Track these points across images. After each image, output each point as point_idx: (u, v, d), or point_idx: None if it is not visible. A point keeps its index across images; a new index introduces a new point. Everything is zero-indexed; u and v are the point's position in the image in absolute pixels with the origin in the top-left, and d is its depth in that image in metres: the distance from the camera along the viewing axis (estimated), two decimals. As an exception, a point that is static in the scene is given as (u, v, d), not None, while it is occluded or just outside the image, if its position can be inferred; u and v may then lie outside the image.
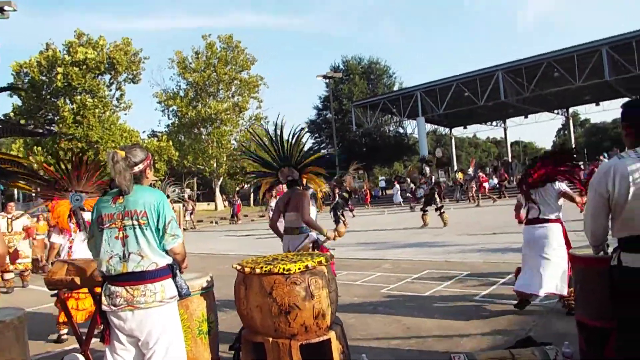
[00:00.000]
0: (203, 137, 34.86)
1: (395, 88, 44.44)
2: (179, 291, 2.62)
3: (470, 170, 24.77)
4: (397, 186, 28.19)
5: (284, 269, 2.85)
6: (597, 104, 35.81)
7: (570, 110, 42.00)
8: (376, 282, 6.82)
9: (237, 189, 41.18)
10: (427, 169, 14.39)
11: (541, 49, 61.33)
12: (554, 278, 4.38)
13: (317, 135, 47.73)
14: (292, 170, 4.65)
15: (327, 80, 37.33)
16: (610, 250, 2.64)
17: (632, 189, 2.30)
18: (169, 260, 2.60)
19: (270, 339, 2.92)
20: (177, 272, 2.65)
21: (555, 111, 40.27)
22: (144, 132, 36.61)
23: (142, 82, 37.79)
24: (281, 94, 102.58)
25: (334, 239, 4.56)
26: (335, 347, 3.01)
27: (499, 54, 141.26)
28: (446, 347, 3.91)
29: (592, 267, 3.01)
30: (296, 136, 4.62)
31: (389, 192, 35.66)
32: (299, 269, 2.87)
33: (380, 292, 6.16)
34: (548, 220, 4.53)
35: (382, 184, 40.79)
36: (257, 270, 2.89)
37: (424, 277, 6.81)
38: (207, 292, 3.28)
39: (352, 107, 36.58)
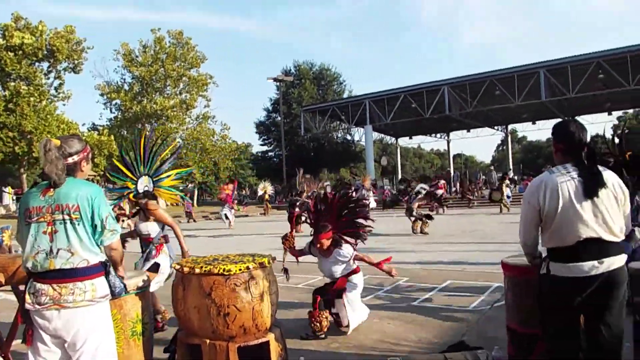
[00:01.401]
0: (147, 133, 33.79)
1: (345, 95, 44.99)
2: (112, 290, 2.49)
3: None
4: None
5: (224, 270, 2.79)
6: (534, 123, 37.81)
7: (509, 127, 44.09)
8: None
9: (181, 187, 40.17)
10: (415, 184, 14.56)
11: (484, 68, 64.22)
12: None
13: (265, 137, 47.47)
14: (150, 181, 4.69)
15: (278, 84, 37.22)
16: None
17: (560, 202, 2.44)
18: (102, 257, 2.47)
19: (208, 341, 2.86)
20: (111, 270, 2.53)
21: (496, 127, 42.15)
22: (83, 124, 34.93)
23: (84, 72, 36.14)
24: (231, 94, 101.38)
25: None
26: (274, 350, 2.99)
27: (445, 70, 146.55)
28: (384, 351, 3.96)
29: (522, 275, 3.15)
30: (157, 147, 4.76)
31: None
32: (240, 270, 2.82)
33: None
34: None
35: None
36: (197, 270, 2.82)
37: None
38: (142, 292, 3.14)
39: (302, 112, 36.67)
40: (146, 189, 4.66)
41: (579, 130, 2.58)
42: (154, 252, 4.59)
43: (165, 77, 33.65)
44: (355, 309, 4.56)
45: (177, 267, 2.96)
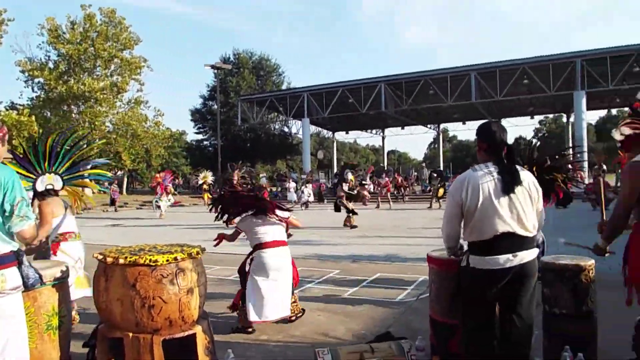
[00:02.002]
0: (73, 115, 31.86)
1: (284, 87, 44.79)
2: (25, 281, 2.34)
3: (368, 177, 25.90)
4: (293, 184, 28.12)
5: (150, 260, 2.70)
6: (464, 123, 39.53)
7: (441, 126, 45.85)
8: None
9: (110, 175, 38.37)
10: (349, 175, 14.41)
11: (419, 68, 66.19)
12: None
13: (200, 125, 46.26)
14: (58, 179, 4.39)
15: (216, 71, 36.35)
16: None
17: (481, 199, 2.58)
18: (14, 246, 2.31)
19: (130, 334, 2.75)
20: (24, 259, 2.37)
21: (429, 126, 43.69)
22: (0, 102, 32.43)
23: (4, 46, 33.35)
24: (166, 80, 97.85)
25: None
26: (201, 342, 2.93)
27: (382, 68, 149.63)
28: (312, 342, 4.01)
29: (445, 268, 3.30)
30: (71, 145, 4.46)
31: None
32: (167, 260, 2.73)
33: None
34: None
35: (264, 180, 40.77)
36: (121, 261, 2.70)
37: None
38: (60, 283, 2.97)
39: (239, 101, 36.10)
40: (49, 187, 4.33)
41: (500, 131, 2.74)
42: (50, 252, 4.29)
43: (95, 57, 31.88)
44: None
45: (100, 257, 2.82)
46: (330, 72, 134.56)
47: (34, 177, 4.28)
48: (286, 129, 44.03)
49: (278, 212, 4.58)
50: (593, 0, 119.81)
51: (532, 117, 39.33)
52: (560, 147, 37.66)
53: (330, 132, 44.65)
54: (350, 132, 45.26)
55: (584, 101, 25.40)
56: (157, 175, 20.94)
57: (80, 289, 4.34)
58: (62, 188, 4.47)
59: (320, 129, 43.84)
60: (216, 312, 4.90)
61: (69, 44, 31.22)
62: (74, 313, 4.28)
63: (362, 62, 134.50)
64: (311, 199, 24.94)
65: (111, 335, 2.85)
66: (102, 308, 2.86)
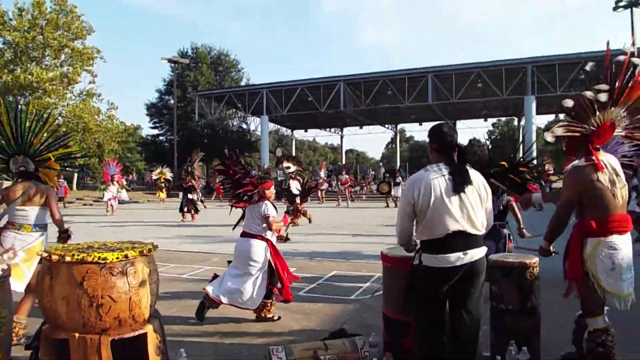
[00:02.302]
0: (20, 107, 30.34)
1: (243, 83, 44.27)
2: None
3: (322, 173, 25.95)
4: None
5: (99, 258, 2.61)
6: (420, 124, 40.25)
7: (399, 126, 46.59)
8: (203, 275, 6.68)
9: (60, 169, 36.76)
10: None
11: (378, 68, 67.00)
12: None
13: (156, 120, 45.09)
14: (28, 161, 4.26)
15: (173, 65, 35.55)
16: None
17: (432, 198, 2.65)
18: None
19: (77, 335, 2.65)
20: None
21: (386, 126, 44.31)
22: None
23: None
24: (120, 72, 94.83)
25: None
26: (152, 342, 2.86)
27: (341, 67, 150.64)
28: (267, 340, 4.00)
29: (398, 266, 3.37)
30: (41, 123, 4.35)
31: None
32: (117, 258, 2.65)
33: (206, 286, 6.06)
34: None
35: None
36: (67, 259, 2.60)
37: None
38: (0, 282, 2.83)
39: (197, 96, 35.43)
40: (22, 169, 4.22)
41: (451, 132, 2.82)
42: None
43: (44, 46, 30.45)
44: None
45: (45, 254, 2.70)
46: (289, 70, 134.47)
47: (5, 158, 4.21)
48: (244, 126, 43.63)
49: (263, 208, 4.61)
50: (546, 9, 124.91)
51: (485, 120, 40.58)
52: (514, 147, 39.18)
53: (289, 130, 44.55)
54: (309, 130, 45.33)
55: (534, 106, 26.43)
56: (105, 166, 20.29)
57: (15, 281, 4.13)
58: (36, 170, 4.31)
59: (279, 126, 43.59)
60: (169, 311, 4.81)
61: (15, 31, 29.68)
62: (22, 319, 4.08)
63: (322, 61, 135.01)
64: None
65: (56, 337, 2.74)
66: (47, 308, 2.75)
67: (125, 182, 25.59)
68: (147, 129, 52.26)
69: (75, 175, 36.62)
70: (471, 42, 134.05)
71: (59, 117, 31.50)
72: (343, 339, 3.50)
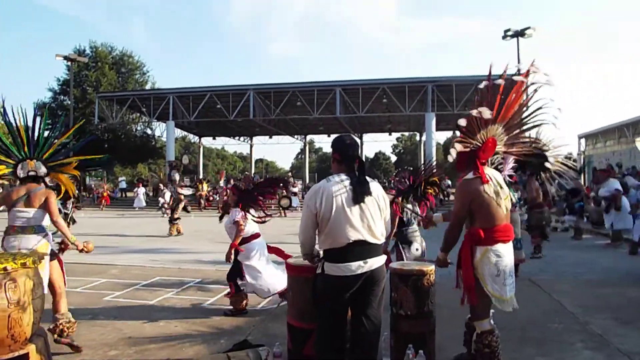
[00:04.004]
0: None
1: (148, 87, 42.33)
2: None
3: (222, 182, 25.46)
4: (142, 189, 26.65)
5: (-28, 271, 2.35)
6: (329, 136, 41.14)
7: (308, 137, 47.22)
8: (100, 288, 6.27)
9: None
10: (177, 175, 13.78)
11: (289, 79, 67.76)
12: None
13: (49, 122, 41.57)
14: (40, 166, 4.10)
15: (70, 63, 33.10)
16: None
17: (334, 208, 2.71)
18: None
19: (-58, 359, 2.35)
20: None
21: (296, 136, 44.70)
22: None
23: None
24: (3, 67, 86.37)
25: (81, 250, 4.07)
26: (34, 363, 2.62)
27: (252, 76, 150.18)
28: (168, 354, 3.83)
29: (301, 274, 3.40)
30: (58, 132, 4.38)
31: (129, 194, 33.50)
32: (-5, 271, 2.40)
33: (102, 299, 5.69)
34: None
35: (123, 184, 38.06)
36: None
37: (153, 284, 6.58)
38: None
39: (97, 98, 33.25)
40: (32, 173, 4.02)
41: (353, 143, 2.92)
42: None
43: None
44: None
45: None
46: (198, 76, 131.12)
47: (14, 162, 4.03)
48: (149, 131, 41.67)
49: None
50: (448, 33, 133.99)
51: (390, 134, 42.50)
52: (414, 162, 41.24)
53: (197, 137, 43.33)
54: (217, 138, 44.39)
55: (433, 122, 28.11)
56: None
57: None
58: (48, 175, 4.15)
59: (186, 133, 42.20)
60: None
61: None
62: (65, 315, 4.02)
63: (230, 68, 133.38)
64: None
65: None
66: None
67: None
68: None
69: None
70: (376, 59, 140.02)
71: None
72: (247, 350, 3.45)
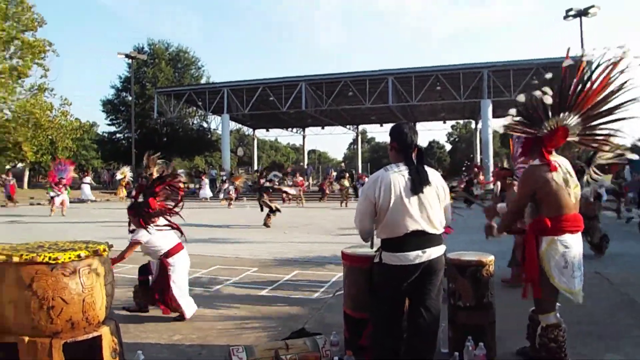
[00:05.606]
0: None
1: (203, 81, 43.50)
2: None
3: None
4: (206, 180, 27.42)
5: (50, 258, 2.50)
6: (381, 125, 40.77)
7: (360, 127, 46.98)
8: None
9: (8, 167, 35.12)
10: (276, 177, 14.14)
11: (340, 69, 67.55)
12: None
13: (113, 117, 43.69)
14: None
15: (130, 61, 34.53)
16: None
17: (392, 198, 2.68)
18: None
19: (26, 339, 2.54)
20: None
21: (348, 126, 44.59)
22: None
23: None
24: (75, 67, 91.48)
25: None
26: (107, 345, 2.77)
27: (304, 67, 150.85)
28: (227, 341, 3.94)
29: (358, 264, 3.40)
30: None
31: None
32: (69, 258, 2.55)
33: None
34: None
35: (182, 176, 39.41)
36: (15, 259, 2.48)
37: (212, 273, 6.79)
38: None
39: (156, 93, 34.57)
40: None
41: (411, 132, 2.86)
42: None
43: (-8, 38, 29.02)
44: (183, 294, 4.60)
45: (-9, 255, 2.57)
46: (251, 69, 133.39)
47: None
48: (205, 125, 42.86)
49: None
50: (502, 14, 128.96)
51: (444, 122, 41.55)
52: (470, 151, 40.09)
53: (251, 129, 44.13)
54: (271, 130, 45.04)
55: (489, 109, 27.21)
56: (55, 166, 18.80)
57: None
58: None
59: (240, 125, 43.08)
60: (125, 312, 4.69)
61: (-40, 21, 28.19)
62: None
63: (282, 60, 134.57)
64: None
65: (4, 341, 2.61)
66: (-7, 311, 2.62)
67: (90, 179, 24.65)
68: (104, 126, 50.63)
69: (27, 173, 35.11)
70: (430, 47, 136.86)
71: (7, 112, 30.10)
72: (304, 338, 3.50)
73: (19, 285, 2.48)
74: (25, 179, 33.81)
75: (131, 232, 4.54)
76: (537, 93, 2.98)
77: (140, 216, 4.40)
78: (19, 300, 2.48)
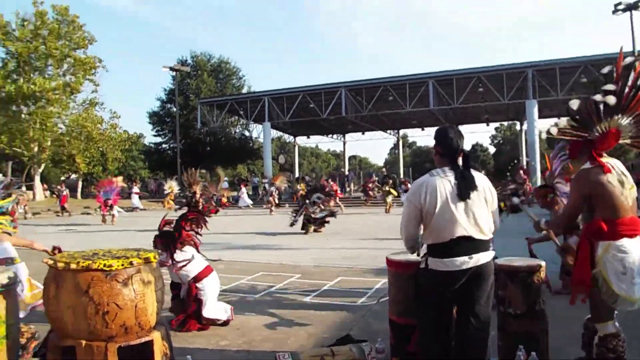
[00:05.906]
0: (23, 116, 30.41)
1: (244, 91, 44.36)
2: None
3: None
4: (244, 189, 27.93)
5: (104, 265, 2.61)
6: (423, 129, 40.26)
7: (401, 132, 46.56)
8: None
9: (63, 178, 36.88)
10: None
11: (379, 74, 67.25)
12: None
13: (159, 128, 45.16)
14: None
15: (174, 73, 35.66)
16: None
17: (438, 203, 2.63)
18: None
19: (83, 342, 2.65)
20: None
21: (388, 131, 44.25)
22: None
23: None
24: (123, 81, 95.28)
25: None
26: (158, 349, 2.85)
27: (342, 73, 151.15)
28: (273, 347, 3.98)
29: (403, 270, 3.36)
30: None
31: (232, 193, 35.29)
32: (122, 265, 2.65)
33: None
34: None
35: (225, 185, 40.27)
36: (73, 266, 2.60)
37: (256, 279, 6.88)
38: (7, 290, 2.82)
39: (199, 104, 35.51)
40: None
41: (457, 136, 2.80)
42: None
43: (47, 56, 30.59)
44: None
45: (51, 262, 2.70)
46: (290, 77, 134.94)
47: None
48: (247, 133, 43.61)
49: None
50: (544, 12, 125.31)
51: (487, 124, 40.52)
52: (515, 153, 38.97)
53: (292, 137, 44.56)
54: (311, 136, 45.31)
55: (535, 109, 26.36)
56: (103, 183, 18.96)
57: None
58: None
59: (281, 133, 43.58)
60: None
61: (18, 41, 29.87)
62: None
63: (321, 67, 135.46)
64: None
65: (63, 344, 2.73)
66: (53, 317, 2.74)
67: (138, 188, 25.42)
68: (150, 137, 52.37)
69: (80, 183, 36.72)
70: (468, 47, 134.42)
71: (62, 126, 31.58)
72: (350, 345, 3.49)
73: (76, 291, 2.59)
74: (79, 190, 35.32)
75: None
76: (598, 97, 2.85)
77: (168, 247, 4.63)
78: (76, 306, 2.59)
